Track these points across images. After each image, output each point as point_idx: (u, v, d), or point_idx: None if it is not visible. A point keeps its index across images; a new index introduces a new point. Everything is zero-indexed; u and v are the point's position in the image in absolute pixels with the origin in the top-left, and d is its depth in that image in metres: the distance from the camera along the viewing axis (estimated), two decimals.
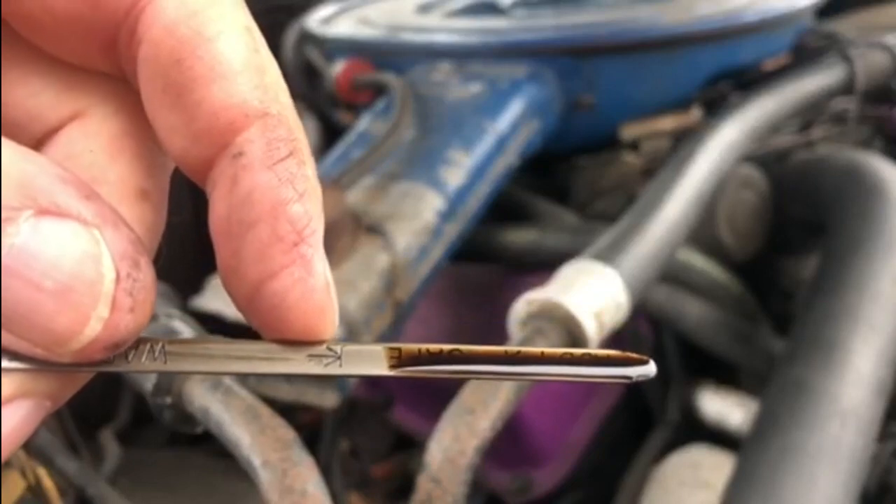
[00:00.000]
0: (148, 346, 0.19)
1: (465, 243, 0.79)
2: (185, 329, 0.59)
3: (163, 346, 0.19)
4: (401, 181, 0.77)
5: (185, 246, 1.13)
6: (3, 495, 0.58)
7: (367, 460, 0.93)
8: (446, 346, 0.21)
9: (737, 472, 0.53)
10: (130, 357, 0.19)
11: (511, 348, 0.21)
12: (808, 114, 0.95)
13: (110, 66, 0.20)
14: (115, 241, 0.17)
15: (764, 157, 0.89)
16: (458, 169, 0.78)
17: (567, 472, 0.78)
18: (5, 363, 0.17)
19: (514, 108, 0.86)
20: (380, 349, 0.20)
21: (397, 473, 0.89)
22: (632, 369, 0.21)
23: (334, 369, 0.20)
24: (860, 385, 0.55)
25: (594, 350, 0.21)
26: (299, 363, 0.20)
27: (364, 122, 0.90)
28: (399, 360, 0.20)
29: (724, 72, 0.95)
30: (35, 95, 0.20)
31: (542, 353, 0.21)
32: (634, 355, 0.21)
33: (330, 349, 0.20)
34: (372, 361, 0.20)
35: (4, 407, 0.17)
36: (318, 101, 1.18)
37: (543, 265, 0.79)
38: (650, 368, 0.21)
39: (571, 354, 0.21)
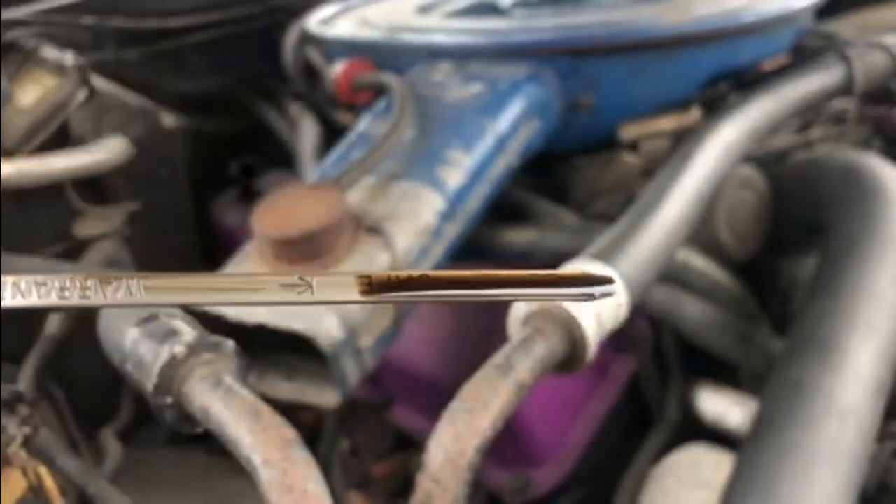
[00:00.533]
0: (124, 282, 0.20)
1: (465, 243, 0.80)
2: (185, 328, 0.59)
3: (139, 282, 0.20)
4: (401, 181, 0.77)
5: (186, 248, 1.13)
6: (4, 495, 0.58)
7: (367, 460, 0.93)
8: (415, 272, 0.21)
9: (736, 472, 0.53)
10: (108, 294, 0.19)
11: (478, 272, 0.21)
12: (808, 114, 0.95)
13: None
14: None
15: (763, 157, 0.89)
16: (458, 169, 0.79)
17: (567, 471, 0.78)
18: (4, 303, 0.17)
19: (514, 109, 0.86)
20: (350, 278, 0.21)
21: (397, 473, 0.89)
22: (595, 288, 0.22)
23: (307, 297, 0.21)
24: (859, 385, 0.56)
25: (559, 271, 0.22)
26: (273, 292, 0.20)
27: (364, 123, 0.90)
28: (370, 286, 0.21)
29: (723, 72, 0.96)
30: None
31: (508, 275, 0.21)
32: (598, 275, 0.21)
33: (302, 279, 0.21)
34: (343, 289, 0.21)
35: None
36: (319, 101, 1.19)
37: (543, 265, 0.79)
38: (613, 287, 0.22)
39: (536, 276, 0.21)
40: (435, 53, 0.97)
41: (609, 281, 0.22)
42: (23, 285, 0.18)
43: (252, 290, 0.21)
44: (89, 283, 0.19)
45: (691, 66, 0.93)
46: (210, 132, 1.31)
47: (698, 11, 0.96)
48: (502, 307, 0.60)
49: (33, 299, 0.18)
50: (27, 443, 0.62)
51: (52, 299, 0.18)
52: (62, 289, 0.18)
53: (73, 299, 0.19)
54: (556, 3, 1.09)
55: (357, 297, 0.21)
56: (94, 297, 0.20)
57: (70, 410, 0.85)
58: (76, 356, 0.83)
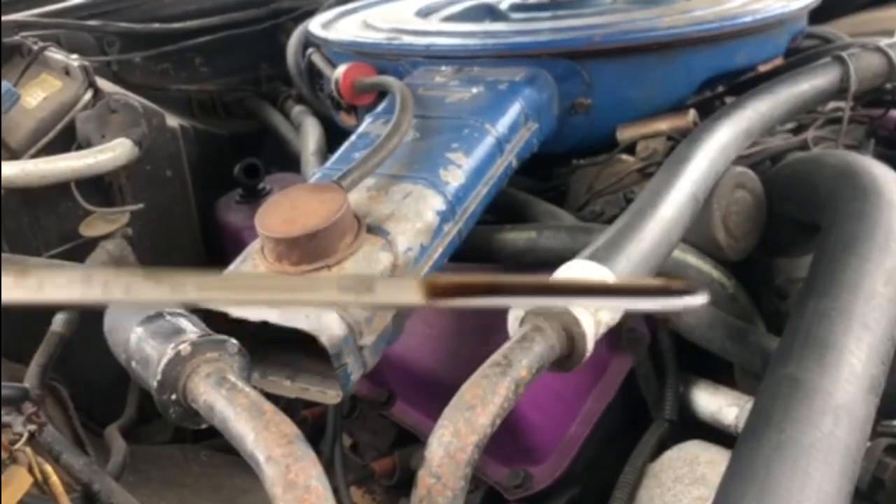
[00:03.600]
0: (170, 278, 0.19)
1: (465, 243, 0.80)
2: (189, 326, 0.60)
3: (191, 280, 0.19)
4: (402, 182, 0.78)
5: (190, 248, 1.14)
6: (11, 491, 0.59)
7: (368, 456, 0.94)
8: (480, 279, 0.20)
9: (732, 467, 0.54)
10: (154, 288, 0.19)
11: (546, 280, 0.20)
12: (803, 115, 0.96)
13: None
14: None
15: (759, 161, 0.90)
16: (457, 170, 0.79)
17: (565, 468, 0.78)
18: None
19: (513, 111, 0.87)
20: (414, 282, 0.20)
21: (398, 469, 0.90)
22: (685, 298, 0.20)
23: (368, 299, 0.20)
24: (854, 382, 0.56)
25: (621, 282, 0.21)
26: (332, 293, 0.20)
27: (366, 124, 0.91)
28: (434, 291, 0.20)
29: (720, 74, 0.96)
30: None
31: (574, 284, 0.21)
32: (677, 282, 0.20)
33: (362, 281, 0.20)
34: (406, 292, 0.20)
35: None
36: (321, 103, 1.20)
37: (542, 265, 0.80)
38: (700, 298, 0.20)
39: (594, 286, 0.21)
40: (435, 56, 0.98)
41: (690, 291, 0.21)
42: (64, 280, 0.18)
43: (314, 291, 0.20)
44: (135, 278, 0.18)
45: (688, 69, 0.94)
46: (214, 133, 1.33)
47: (695, 14, 0.96)
48: None
49: (76, 292, 0.18)
50: (33, 440, 0.63)
51: (96, 293, 0.18)
52: (106, 283, 0.18)
53: (117, 293, 0.18)
54: (554, 7, 1.10)
55: (420, 299, 0.20)
56: (139, 292, 0.19)
57: (75, 408, 0.86)
58: (82, 354, 0.84)
